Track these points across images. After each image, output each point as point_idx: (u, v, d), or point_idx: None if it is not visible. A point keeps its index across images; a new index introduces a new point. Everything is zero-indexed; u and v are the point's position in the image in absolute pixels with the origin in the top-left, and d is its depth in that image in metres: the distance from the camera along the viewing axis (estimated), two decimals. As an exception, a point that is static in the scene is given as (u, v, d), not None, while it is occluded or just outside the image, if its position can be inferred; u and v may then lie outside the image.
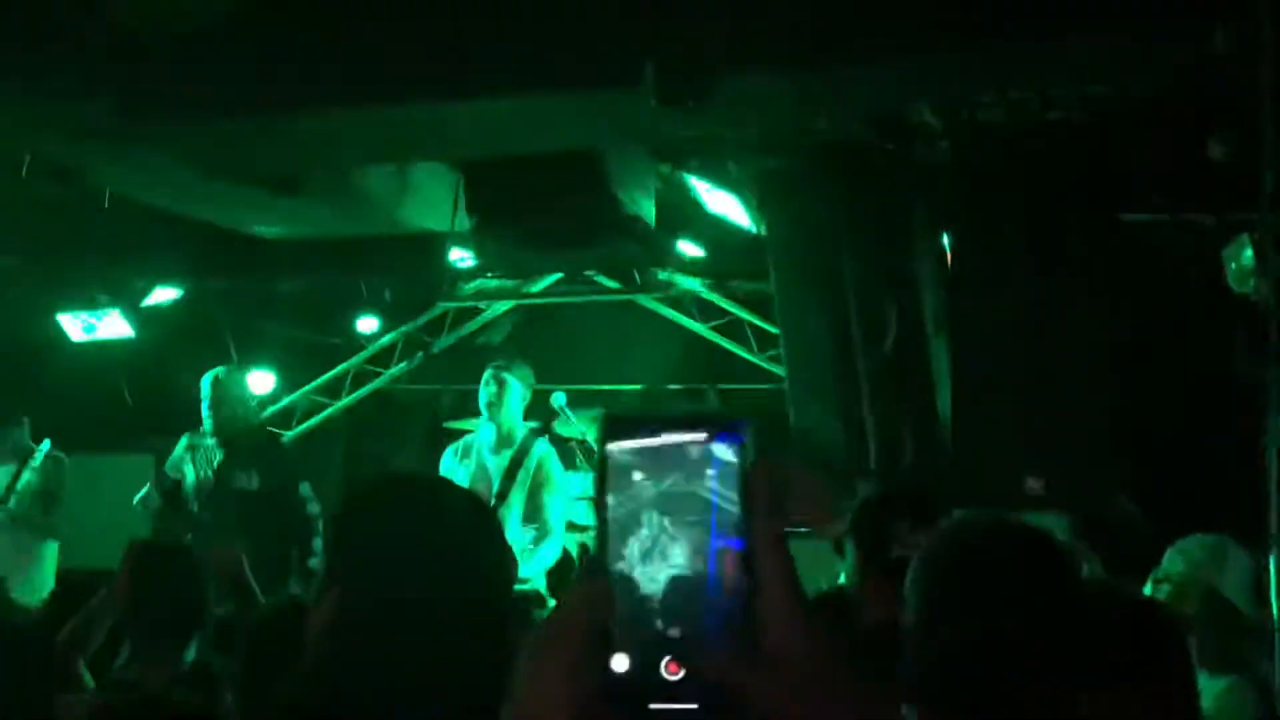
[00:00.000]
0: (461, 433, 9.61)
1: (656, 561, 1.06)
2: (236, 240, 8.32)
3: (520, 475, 7.51)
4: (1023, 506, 7.10)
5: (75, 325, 9.27)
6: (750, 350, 9.56)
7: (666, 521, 1.06)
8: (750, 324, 9.55)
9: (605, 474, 1.07)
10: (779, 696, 1.04)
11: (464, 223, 7.51)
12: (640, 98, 5.09)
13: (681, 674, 1.03)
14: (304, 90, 5.70)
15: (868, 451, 7.13)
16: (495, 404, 7.62)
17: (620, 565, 1.06)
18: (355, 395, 11.10)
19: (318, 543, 7.49)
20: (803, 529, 4.21)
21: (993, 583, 2.40)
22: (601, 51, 5.11)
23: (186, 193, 7.09)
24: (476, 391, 10.45)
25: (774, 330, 8.31)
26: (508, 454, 7.59)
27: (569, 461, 8.66)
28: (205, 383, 7.94)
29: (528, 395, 7.82)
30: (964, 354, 7.02)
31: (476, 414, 9.47)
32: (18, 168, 7.63)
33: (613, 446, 1.07)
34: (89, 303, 9.19)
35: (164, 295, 9.72)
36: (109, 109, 5.84)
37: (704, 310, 9.82)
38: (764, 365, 9.34)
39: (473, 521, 2.15)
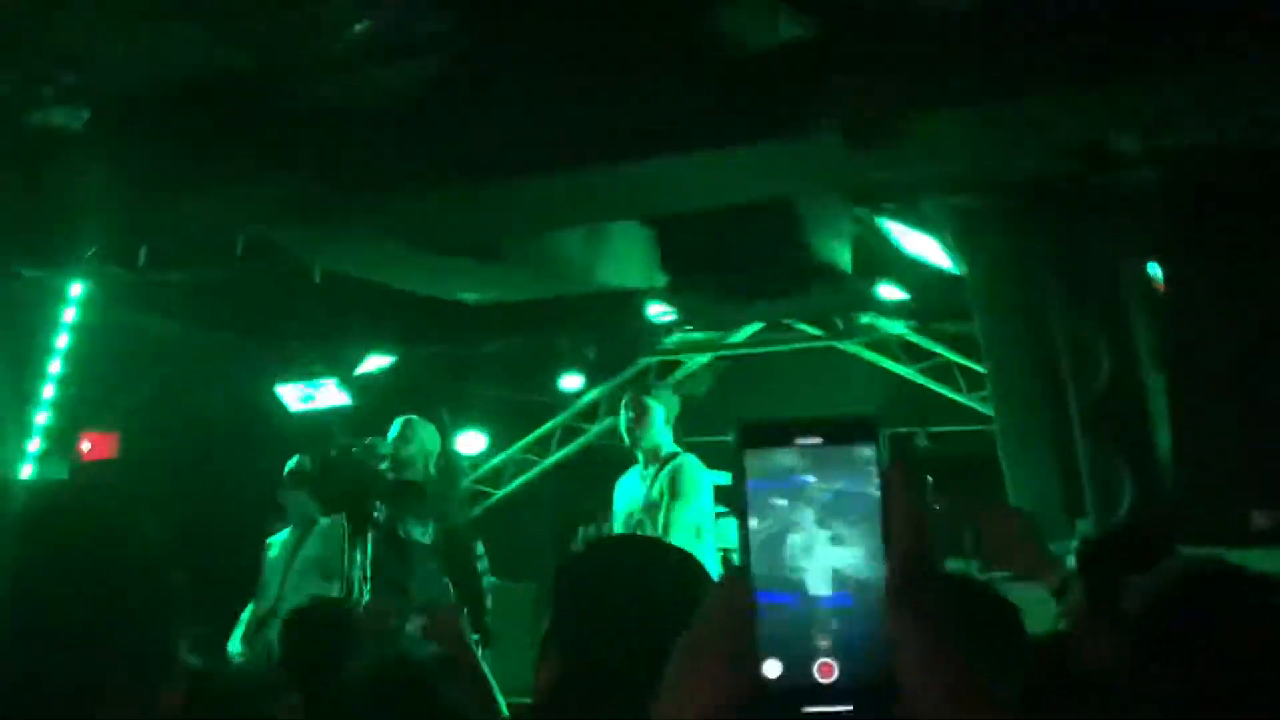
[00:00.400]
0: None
1: (800, 566, 1.06)
2: (442, 306, 8.50)
3: (657, 492, 7.50)
4: (1251, 543, 6.81)
5: (294, 396, 9.57)
6: (959, 391, 9.39)
7: (809, 527, 1.07)
8: (958, 365, 9.37)
9: (745, 481, 1.07)
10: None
11: (660, 278, 7.55)
12: (830, 145, 5.04)
13: (835, 677, 1.04)
14: (501, 158, 5.80)
15: (1082, 492, 6.90)
16: (635, 428, 7.57)
17: (763, 570, 1.06)
18: (563, 452, 11.22)
19: (489, 601, 7.49)
20: (1012, 574, 4.10)
21: (1213, 636, 2.33)
22: (789, 100, 5.09)
23: (392, 264, 7.27)
24: (682, 443, 10.52)
25: (983, 370, 8.13)
26: (650, 473, 7.57)
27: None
28: (396, 423, 7.99)
29: (671, 417, 7.74)
30: (1182, 387, 6.76)
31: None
32: (232, 248, 7.95)
33: (750, 453, 1.08)
34: (306, 374, 9.48)
35: (377, 363, 9.97)
36: (313, 185, 6.01)
37: (910, 353, 9.68)
38: (974, 406, 9.15)
39: (688, 581, 2.15)
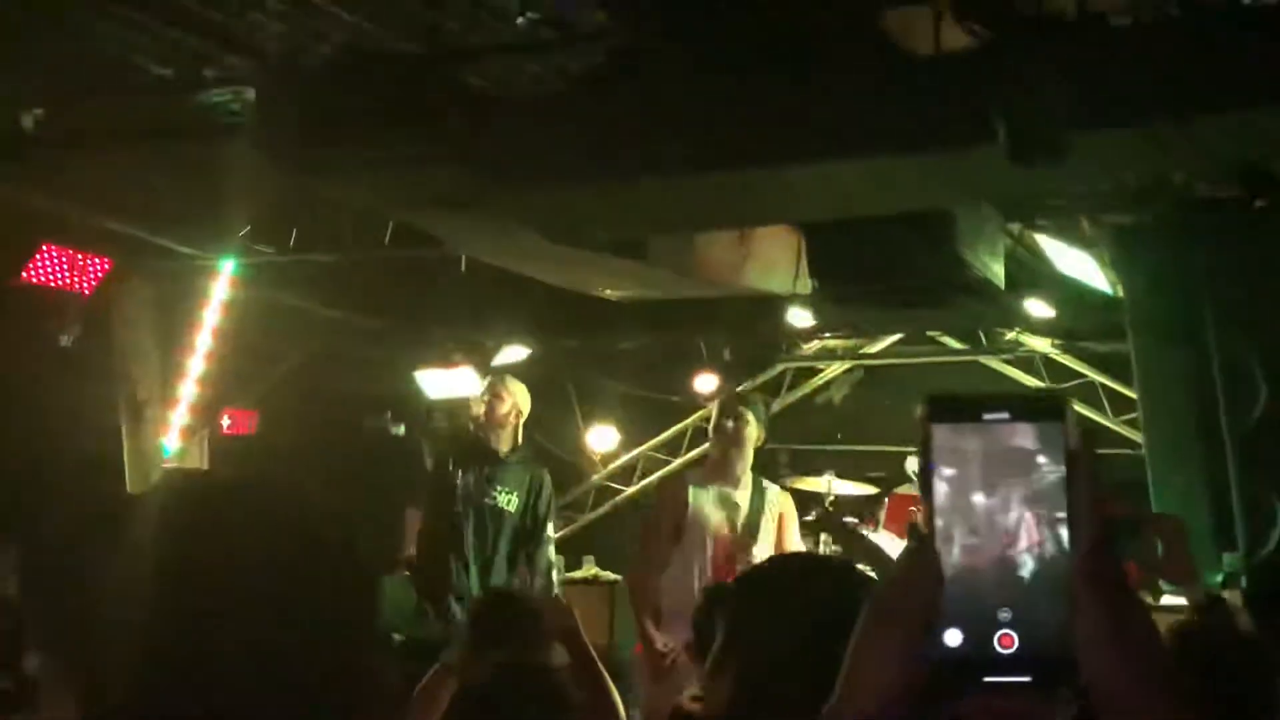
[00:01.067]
0: (800, 491, 9.56)
1: (983, 539, 1.09)
2: (582, 300, 8.51)
3: (765, 523, 7.24)
4: None
5: (432, 381, 9.66)
6: (1104, 414, 9.18)
7: (994, 501, 1.09)
8: (1104, 386, 9.16)
9: (931, 454, 1.10)
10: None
11: (805, 285, 7.46)
12: (991, 157, 4.93)
13: (1015, 648, 1.07)
14: (649, 156, 5.75)
15: (1232, 524, 6.69)
16: (736, 442, 7.27)
17: (948, 543, 1.09)
18: (694, 453, 11.18)
19: (545, 565, 7.37)
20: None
21: None
22: (951, 111, 4.98)
23: (535, 257, 7.28)
24: (814, 451, 10.43)
25: (1129, 393, 7.93)
26: (745, 496, 7.28)
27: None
28: (488, 383, 7.86)
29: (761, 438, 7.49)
30: (1343, 421, 6.52)
31: (817, 473, 9.43)
32: (382, 234, 8.04)
33: (938, 426, 1.11)
34: (445, 360, 9.56)
35: (514, 354, 10.01)
36: (461, 177, 6.03)
37: (1053, 371, 9.49)
38: (1119, 430, 8.94)
39: (860, 593, 2.14)
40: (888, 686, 1.09)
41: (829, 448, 10.49)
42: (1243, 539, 6.64)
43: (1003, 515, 1.09)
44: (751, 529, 7.16)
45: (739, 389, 10.69)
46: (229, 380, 9.03)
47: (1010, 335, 9.38)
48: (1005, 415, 1.10)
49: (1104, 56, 4.80)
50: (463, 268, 8.30)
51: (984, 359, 9.83)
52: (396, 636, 7.21)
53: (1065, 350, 9.31)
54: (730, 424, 7.27)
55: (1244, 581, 6.49)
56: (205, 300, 8.52)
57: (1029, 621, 1.08)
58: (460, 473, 7.49)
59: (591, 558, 10.01)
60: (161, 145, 6.85)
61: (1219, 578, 6.58)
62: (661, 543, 7.11)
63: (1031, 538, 1.09)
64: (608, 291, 7.91)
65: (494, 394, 7.68)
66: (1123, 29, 4.83)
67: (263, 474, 1.47)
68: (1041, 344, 9.35)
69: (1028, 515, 1.09)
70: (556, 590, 7.46)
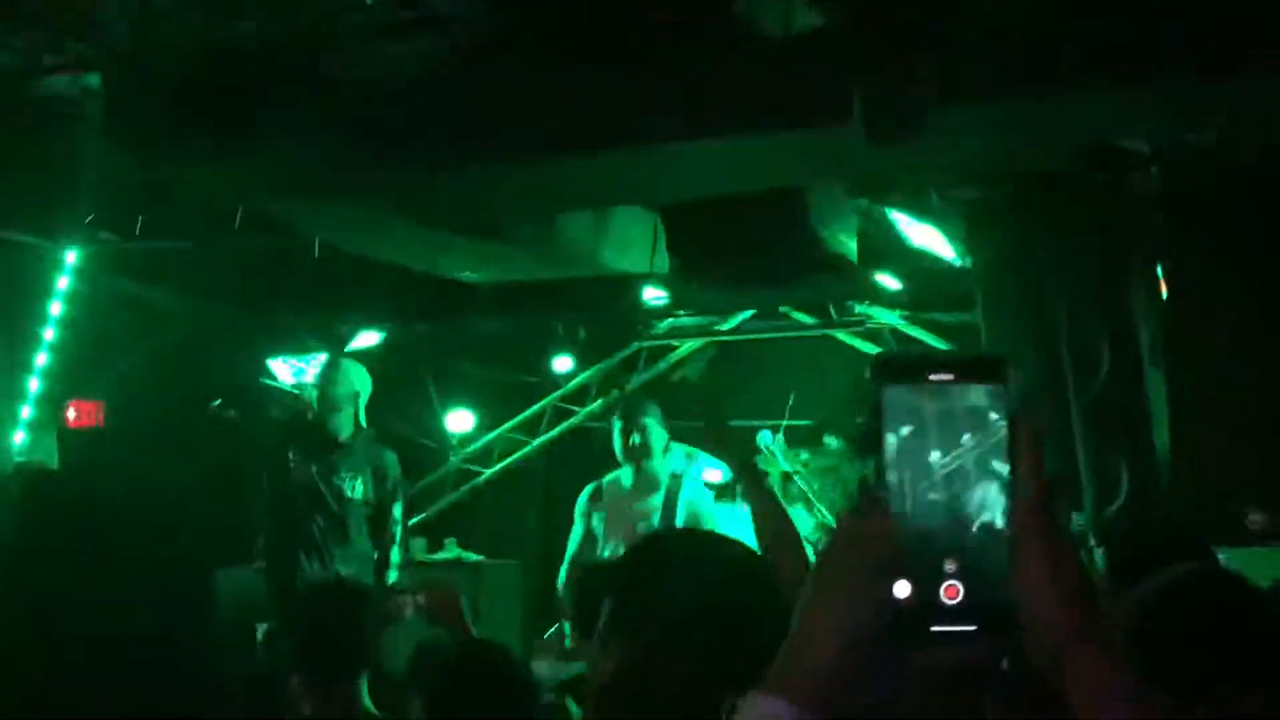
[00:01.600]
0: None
1: (929, 493, 1.14)
2: (437, 284, 8.46)
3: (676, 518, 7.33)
4: (1247, 542, 6.86)
5: (285, 370, 9.53)
6: (952, 384, 9.38)
7: (939, 457, 1.14)
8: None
9: (881, 411, 1.15)
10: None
11: (663, 264, 7.52)
12: (847, 135, 5.02)
13: (960, 598, 1.12)
14: (507, 139, 5.76)
15: (1080, 487, 6.93)
16: (639, 453, 7.35)
17: (896, 498, 1.14)
18: (552, 433, 11.20)
19: (395, 555, 7.22)
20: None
21: (1198, 641, 2.42)
22: (810, 89, 5.07)
23: (392, 240, 7.22)
24: (669, 427, 10.51)
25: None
26: (657, 498, 7.39)
27: (788, 497, 8.64)
28: (320, 365, 7.67)
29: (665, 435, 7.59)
30: (1182, 385, 6.80)
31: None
32: (230, 220, 7.90)
33: (887, 387, 1.15)
34: (299, 348, 9.44)
35: (368, 339, 9.92)
36: (316, 162, 5.97)
37: (902, 344, 9.68)
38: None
39: (753, 575, 2.16)
40: (839, 639, 1.12)
41: (685, 424, 10.56)
42: (1089, 501, 6.89)
43: (948, 471, 1.14)
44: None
45: (596, 367, 10.77)
46: (76, 372, 8.81)
47: (860, 309, 9.54)
48: (950, 376, 1.15)
49: (961, 34, 4.91)
50: (316, 253, 8.19)
51: (834, 333, 9.98)
52: (261, 627, 7.10)
53: (913, 322, 9.50)
54: (637, 439, 7.31)
55: (1091, 540, 6.74)
56: (50, 291, 8.29)
57: (974, 572, 1.12)
58: (301, 461, 7.29)
59: (453, 540, 9.97)
60: (1, 131, 6.66)
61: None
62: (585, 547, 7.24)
63: (975, 493, 1.14)
64: (464, 274, 7.89)
65: (328, 378, 7.44)
66: (978, 7, 4.96)
67: (103, 469, 1.47)
68: (890, 317, 9.53)
69: (972, 471, 1.14)
70: (399, 575, 7.27)
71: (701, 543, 2.44)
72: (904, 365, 1.17)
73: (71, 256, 8.26)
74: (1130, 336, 6.82)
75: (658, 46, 5.43)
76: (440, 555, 9.73)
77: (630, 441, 7.35)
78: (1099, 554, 6.01)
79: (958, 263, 7.69)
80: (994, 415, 1.15)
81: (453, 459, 11.18)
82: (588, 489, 7.65)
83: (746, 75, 5.28)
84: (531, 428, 11.24)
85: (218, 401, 8.26)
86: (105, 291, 8.62)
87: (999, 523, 1.13)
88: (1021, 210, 6.78)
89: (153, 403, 9.31)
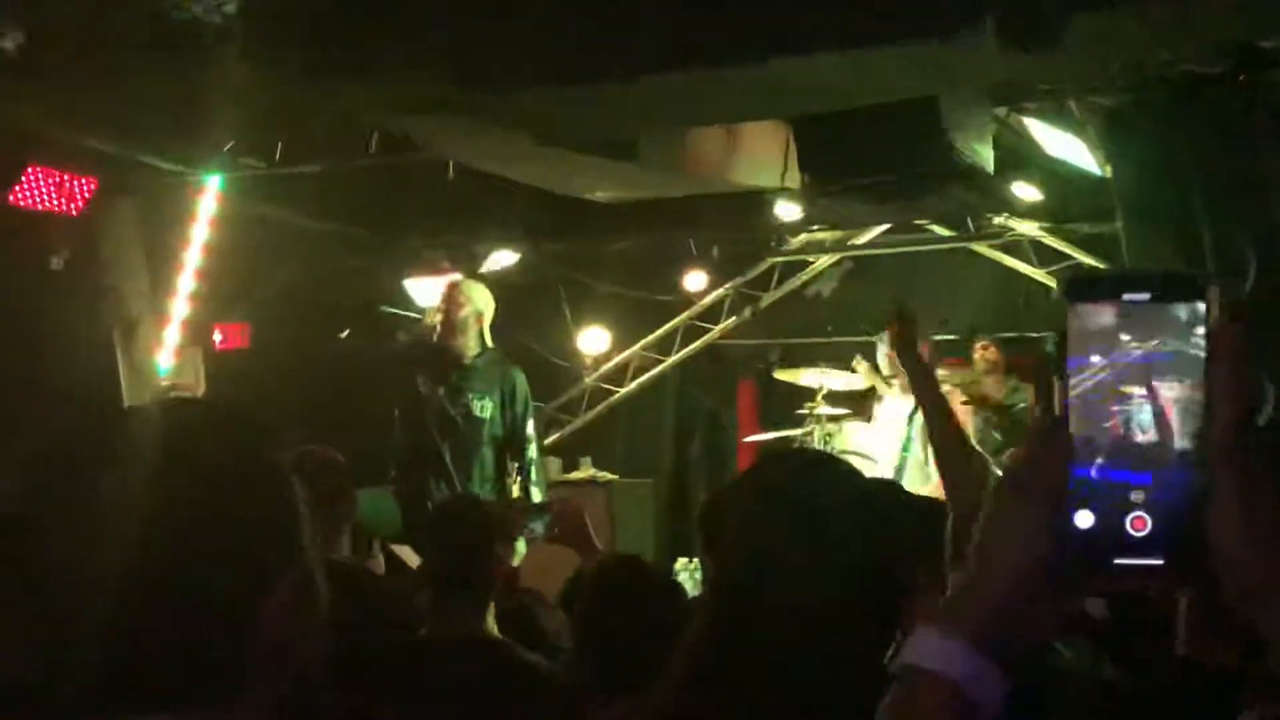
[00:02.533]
0: (786, 384, 9.61)
1: (1118, 420, 1.09)
2: (570, 203, 8.49)
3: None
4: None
5: (421, 290, 9.66)
6: (1092, 296, 9.20)
7: (1130, 381, 1.09)
8: (1093, 268, 9.19)
9: (1068, 333, 1.10)
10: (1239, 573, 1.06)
11: (794, 179, 7.45)
12: (980, 44, 4.91)
13: (1147, 530, 1.07)
14: (637, 54, 5.72)
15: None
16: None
17: (1082, 422, 1.09)
18: (686, 351, 11.23)
19: (534, 473, 7.26)
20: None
21: None
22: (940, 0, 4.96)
23: (522, 160, 7.25)
24: (804, 344, 10.48)
25: (1119, 275, 7.94)
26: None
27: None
28: (445, 288, 7.66)
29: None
30: (1332, 295, 6.57)
31: (803, 365, 9.49)
32: (364, 143, 8.00)
33: (1076, 306, 1.10)
34: (434, 268, 9.56)
35: (502, 259, 10.00)
36: (445, 80, 5.99)
37: (1041, 255, 9.52)
38: (1107, 311, 8.97)
39: (868, 497, 2.15)
40: (1017, 565, 1.09)
41: (819, 340, 10.53)
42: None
43: (1139, 396, 1.08)
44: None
45: (729, 285, 10.74)
46: (220, 296, 9.02)
47: (998, 220, 9.38)
48: (1146, 295, 1.09)
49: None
50: (449, 174, 8.27)
51: (973, 245, 9.84)
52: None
53: (1053, 233, 9.32)
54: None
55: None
56: (193, 217, 8.49)
57: (1162, 503, 1.07)
58: (428, 384, 7.37)
59: (588, 459, 10.09)
60: (143, 59, 6.78)
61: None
62: None
63: (1169, 419, 1.08)
64: (596, 193, 7.89)
65: (451, 300, 7.48)
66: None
67: (250, 403, 1.52)
68: (1029, 228, 9.36)
69: (1166, 396, 1.08)
70: (539, 490, 7.33)
71: (809, 463, 2.42)
72: (1096, 283, 1.12)
73: (215, 182, 8.43)
74: (1276, 244, 6.61)
75: (789, -42, 5.35)
76: (575, 474, 9.84)
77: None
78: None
79: (1097, 172, 7.50)
80: (1193, 336, 1.08)
81: (587, 379, 11.28)
82: None
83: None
84: (665, 346, 11.28)
85: (345, 332, 8.36)
86: (247, 217, 8.80)
87: (1192, 452, 1.07)
88: (1161, 116, 6.57)
89: (294, 325, 9.52)
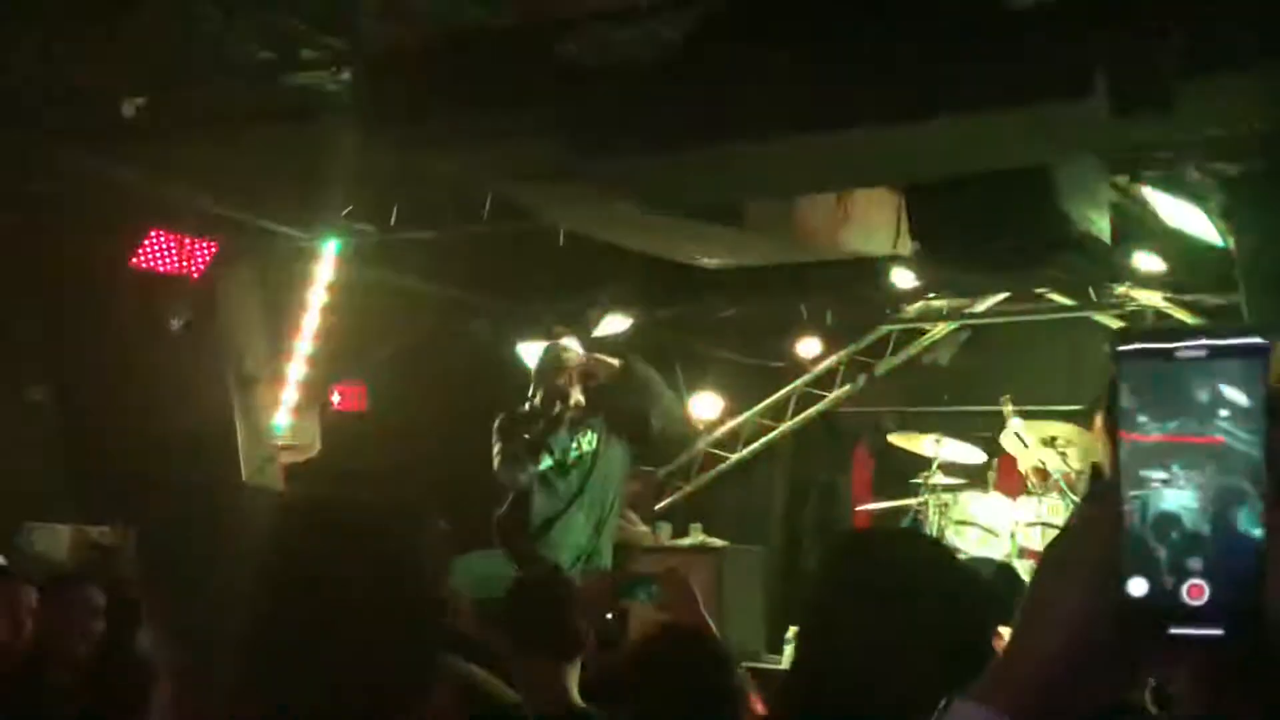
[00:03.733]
0: (901, 453, 9.48)
1: (1175, 482, 1.02)
2: (681, 268, 8.50)
3: None
4: None
5: (535, 354, 9.70)
6: (1216, 367, 8.97)
7: (1187, 441, 1.02)
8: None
9: (1120, 390, 1.04)
10: None
11: (906, 246, 7.38)
12: (1093, 111, 4.83)
13: (1205, 599, 1.00)
14: (744, 120, 5.72)
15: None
16: None
17: (1135, 485, 1.03)
18: (799, 419, 11.14)
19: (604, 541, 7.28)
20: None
21: None
22: (1051, 63, 4.89)
23: (631, 226, 7.27)
24: (920, 413, 10.33)
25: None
26: None
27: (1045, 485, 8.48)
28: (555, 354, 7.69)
29: None
30: None
31: (921, 432, 9.36)
32: (480, 209, 8.09)
33: (1129, 362, 1.05)
34: (546, 333, 9.60)
35: (615, 324, 10.03)
36: (559, 148, 6.04)
37: (1164, 325, 9.32)
38: (1232, 384, 8.74)
39: (948, 576, 2.10)
40: (1063, 641, 1.03)
41: (935, 409, 10.38)
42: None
43: (1196, 456, 1.02)
44: None
45: (843, 352, 10.64)
46: (336, 359, 9.15)
47: (1120, 290, 9.19)
48: (1202, 352, 1.04)
49: (1207, 1, 4.68)
50: (561, 240, 8.33)
51: (1093, 315, 9.65)
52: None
53: (1176, 304, 9.11)
54: None
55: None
56: (310, 280, 8.64)
57: (1221, 571, 1.01)
58: (526, 449, 7.43)
59: (699, 525, 10.00)
60: (262, 127, 6.95)
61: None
62: None
63: (1227, 482, 1.02)
64: (705, 260, 7.89)
65: (544, 363, 7.68)
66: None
67: (364, 498, 1.49)
68: (1152, 298, 9.16)
69: (1225, 457, 1.02)
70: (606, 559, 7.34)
71: (901, 544, 2.38)
72: (1149, 337, 1.06)
73: (331, 247, 8.58)
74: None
75: (900, 19, 5.32)
76: (685, 541, 9.77)
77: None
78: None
79: (1219, 242, 7.33)
80: (1250, 395, 1.02)
81: (699, 443, 11.23)
82: None
83: (986, 50, 5.13)
84: (778, 412, 11.21)
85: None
86: (363, 281, 8.94)
87: (1256, 515, 1.01)
88: (1284, 184, 6.42)
89: (410, 388, 9.62)
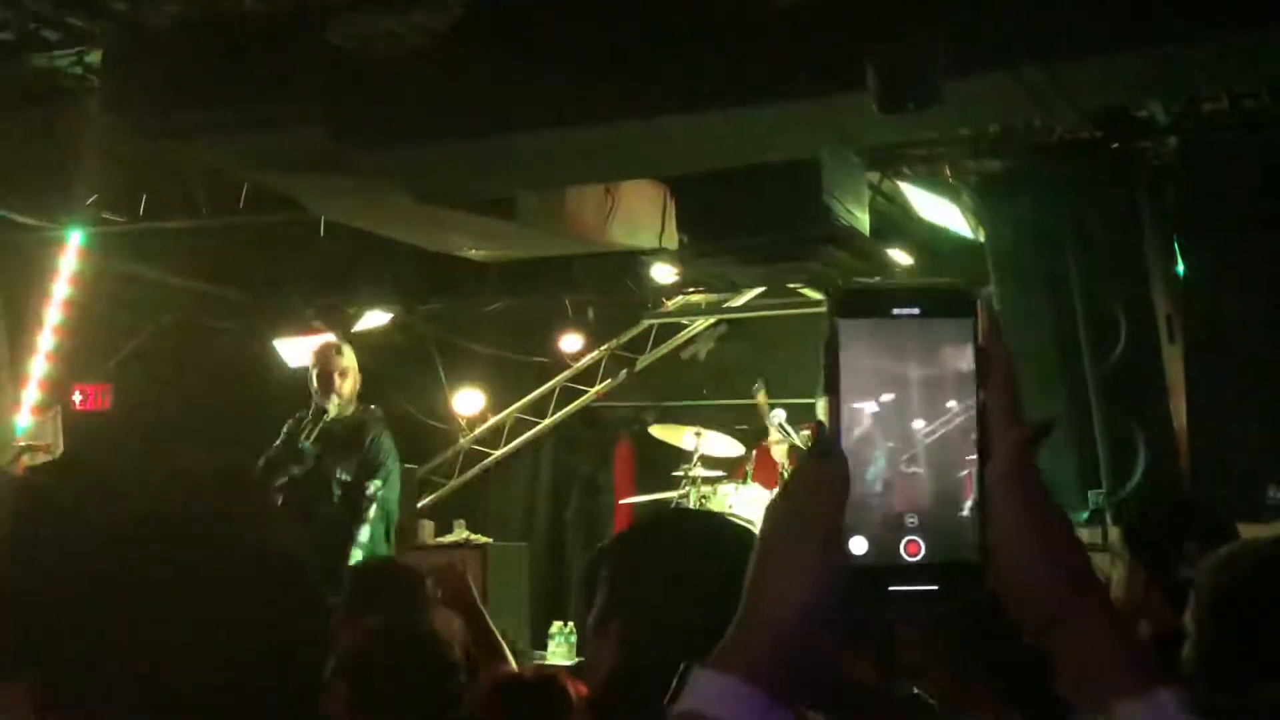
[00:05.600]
0: (662, 447, 9.56)
1: (891, 442, 1.03)
2: (445, 262, 8.39)
3: None
4: (1266, 517, 6.77)
5: (291, 351, 9.45)
6: (964, 360, 9.31)
7: (901, 401, 1.03)
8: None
9: (837, 350, 1.03)
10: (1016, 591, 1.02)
11: (672, 240, 7.43)
12: (859, 104, 4.93)
13: (921, 555, 1.01)
14: (516, 111, 5.67)
15: (1097, 462, 6.84)
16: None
17: (853, 445, 1.02)
18: (562, 414, 11.13)
19: (362, 532, 7.09)
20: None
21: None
22: (820, 59, 4.97)
23: (398, 218, 7.14)
24: (679, 407, 10.45)
25: (992, 339, 8.03)
26: None
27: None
28: (319, 354, 7.54)
29: None
30: (1199, 359, 6.70)
31: (681, 425, 9.46)
32: (235, 199, 7.82)
33: (844, 322, 1.04)
34: (305, 328, 9.36)
35: (375, 319, 9.84)
36: (322, 137, 5.88)
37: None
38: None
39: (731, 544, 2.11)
40: (795, 602, 1.02)
41: (695, 403, 10.51)
42: (1107, 476, 6.80)
43: (910, 416, 1.03)
44: None
45: (605, 347, 10.68)
46: (80, 355, 8.75)
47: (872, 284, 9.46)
48: (915, 310, 1.04)
49: (973, 1, 4.82)
50: (321, 231, 8.12)
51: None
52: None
53: (928, 298, 9.41)
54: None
55: (1109, 518, 6.65)
56: (53, 273, 8.22)
57: (936, 527, 1.02)
58: (296, 448, 7.27)
59: (462, 521, 9.89)
60: (1, 111, 6.58)
61: (1084, 515, 6.74)
62: None
63: (939, 440, 1.03)
64: (472, 251, 7.80)
65: (318, 361, 7.42)
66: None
67: (110, 454, 1.39)
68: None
69: (936, 416, 1.03)
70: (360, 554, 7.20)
71: (682, 518, 2.39)
72: (864, 299, 1.06)
73: (76, 237, 8.18)
74: (1147, 309, 6.74)
75: (669, 13, 5.34)
76: (449, 536, 9.67)
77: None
78: (1114, 531, 5.93)
79: (970, 236, 7.60)
80: (963, 353, 1.04)
81: (462, 440, 11.13)
82: None
83: (755, 43, 5.19)
84: (540, 408, 11.18)
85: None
86: (110, 273, 8.56)
87: (966, 472, 1.03)
88: (1036, 182, 6.68)
89: (159, 387, 9.25)
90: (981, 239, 7.37)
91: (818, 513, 1.03)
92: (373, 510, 7.16)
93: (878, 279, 7.92)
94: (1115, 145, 6.40)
